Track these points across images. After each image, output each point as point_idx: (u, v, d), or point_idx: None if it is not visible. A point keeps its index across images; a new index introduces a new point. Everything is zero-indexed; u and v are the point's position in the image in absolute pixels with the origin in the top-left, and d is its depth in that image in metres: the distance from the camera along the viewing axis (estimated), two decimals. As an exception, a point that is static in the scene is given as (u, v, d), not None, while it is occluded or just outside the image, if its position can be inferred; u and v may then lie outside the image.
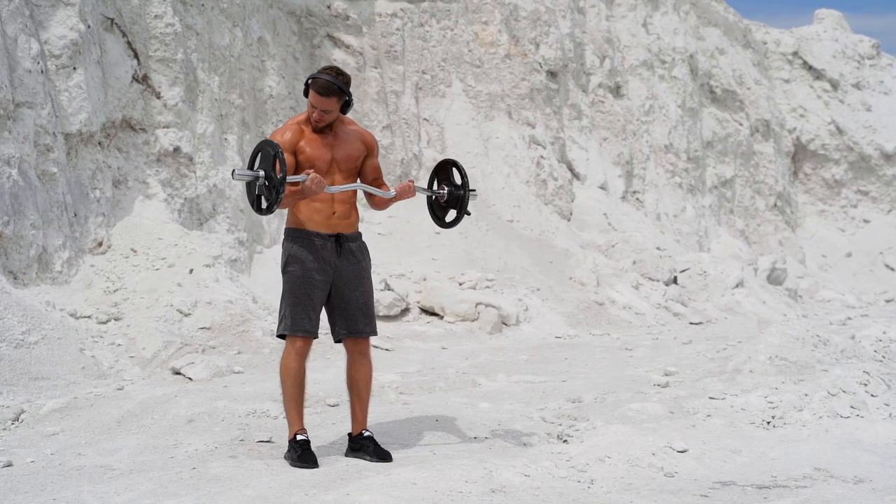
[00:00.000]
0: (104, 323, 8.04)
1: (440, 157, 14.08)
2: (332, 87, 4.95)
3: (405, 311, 10.82)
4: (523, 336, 10.62)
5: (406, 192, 5.22)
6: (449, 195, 5.38)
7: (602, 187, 16.43)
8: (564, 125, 16.40)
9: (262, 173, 4.77)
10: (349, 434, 5.27)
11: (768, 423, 6.05)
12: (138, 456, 5.20)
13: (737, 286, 14.21)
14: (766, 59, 22.62)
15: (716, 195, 19.45)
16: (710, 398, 6.42)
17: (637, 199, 17.24)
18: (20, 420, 6.09)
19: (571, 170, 16.22)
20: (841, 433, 5.83)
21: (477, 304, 10.86)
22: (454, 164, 5.39)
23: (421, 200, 13.24)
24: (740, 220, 19.77)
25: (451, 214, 5.45)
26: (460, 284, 11.51)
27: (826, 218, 22.22)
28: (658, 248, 14.81)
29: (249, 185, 4.87)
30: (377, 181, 5.32)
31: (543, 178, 14.96)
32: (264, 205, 4.83)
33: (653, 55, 18.59)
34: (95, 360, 7.45)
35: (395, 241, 12.25)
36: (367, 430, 5.21)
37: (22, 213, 8.15)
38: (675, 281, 13.80)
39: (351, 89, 5.05)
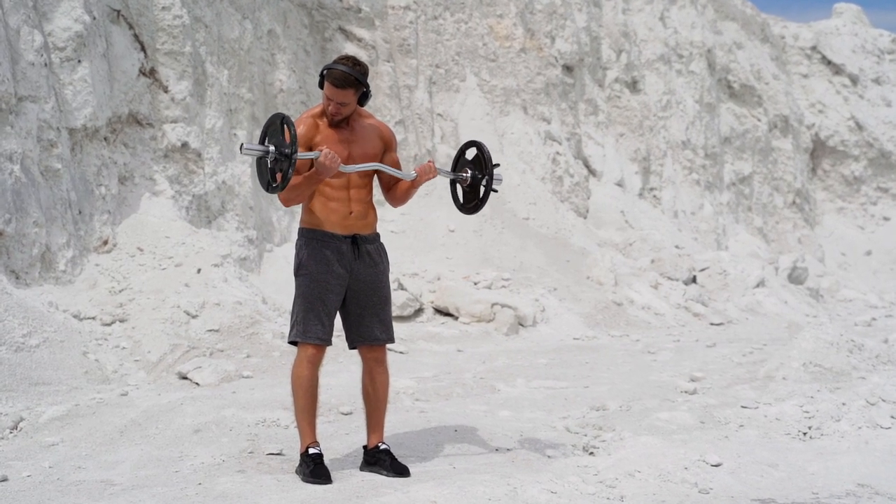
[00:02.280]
0: (108, 325, 7.76)
1: (454, 153, 13.78)
2: (348, 78, 4.63)
3: (419, 311, 10.53)
4: (540, 337, 10.31)
5: (426, 173, 4.85)
6: (472, 178, 5.01)
7: (619, 184, 16.12)
8: (580, 121, 16.08)
9: (272, 148, 4.44)
10: (364, 447, 4.97)
11: (805, 434, 5.74)
12: (141, 470, 4.90)
13: (758, 286, 13.88)
14: (784, 54, 22.26)
15: (733, 192, 19.12)
16: (743, 407, 6.12)
17: (654, 196, 16.92)
18: (19, 428, 5.79)
19: (587, 166, 15.91)
20: (882, 445, 5.51)
21: (493, 305, 10.55)
22: (476, 145, 5.05)
23: (436, 198, 13.00)
24: (758, 218, 19.44)
25: (476, 198, 5.05)
26: (475, 284, 11.21)
27: (845, 215, 21.87)
28: (677, 247, 14.50)
29: (260, 162, 4.55)
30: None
31: (559, 175, 14.65)
32: (277, 181, 4.48)
33: (670, 49, 18.26)
34: (99, 363, 7.17)
35: (409, 240, 11.96)
36: (384, 443, 4.91)
37: (24, 211, 7.88)
38: (694, 280, 13.48)
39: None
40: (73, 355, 7.06)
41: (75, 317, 7.68)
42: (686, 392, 6.95)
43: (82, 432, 5.63)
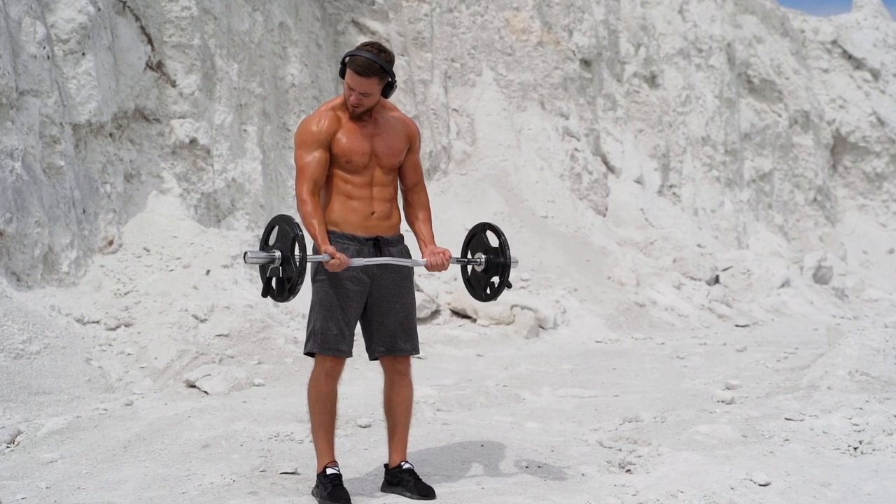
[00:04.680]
0: (113, 329, 7.40)
1: (470, 149, 13.41)
2: (373, 66, 4.22)
3: (435, 313, 10.16)
4: (562, 341, 9.94)
5: (436, 267, 4.40)
6: (487, 263, 4.57)
7: (638, 181, 15.73)
8: (599, 116, 15.69)
9: (277, 254, 4.03)
10: (386, 465, 4.59)
11: (855, 448, 5.35)
12: (145, 490, 4.53)
13: (783, 285, 13.49)
14: (804, 48, 21.83)
15: (754, 189, 18.70)
16: (787, 419, 5.73)
17: (674, 193, 16.53)
18: (16, 443, 5.43)
19: (606, 163, 15.52)
20: (940, 462, 5.11)
21: (512, 307, 10.18)
22: (491, 227, 4.64)
23: (451, 195, 12.63)
24: (779, 216, 19.02)
25: (491, 286, 4.58)
26: (493, 285, 10.83)
27: (867, 213, 21.43)
28: (699, 246, 14.11)
29: (263, 267, 4.14)
30: (417, 187, 4.57)
31: (578, 172, 14.26)
32: (277, 293, 4.10)
33: (689, 43, 17.85)
34: (103, 371, 6.81)
35: (424, 239, 11.57)
36: (407, 462, 4.53)
37: (26, 210, 7.53)
38: (717, 280, 13.09)
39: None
40: (75, 362, 6.70)
41: (78, 321, 7.33)
42: (723, 401, 6.57)
43: (83, 447, 5.26)
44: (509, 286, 4.59)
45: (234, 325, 7.57)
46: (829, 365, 6.48)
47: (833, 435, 5.48)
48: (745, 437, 5.51)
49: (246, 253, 4.07)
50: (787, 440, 5.45)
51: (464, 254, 4.67)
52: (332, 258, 4.11)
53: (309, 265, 4.36)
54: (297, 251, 3.99)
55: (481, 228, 4.65)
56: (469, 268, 4.68)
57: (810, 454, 5.24)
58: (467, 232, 4.74)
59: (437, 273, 10.89)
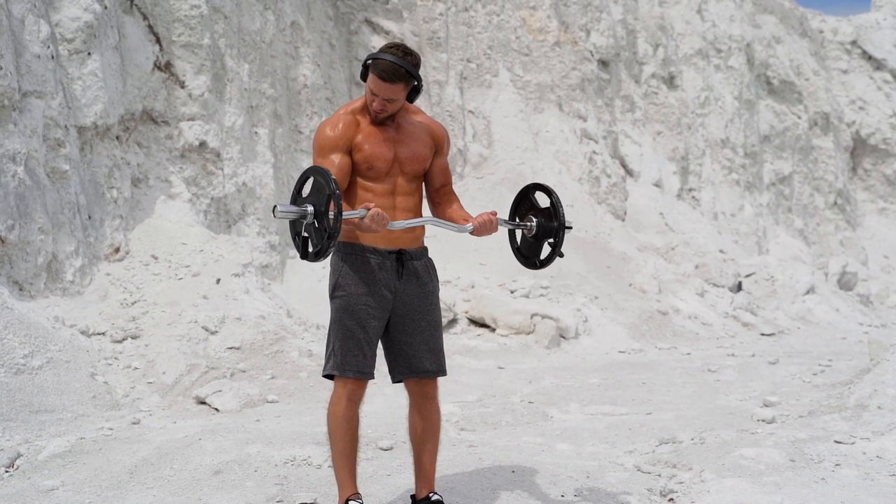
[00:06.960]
0: (119, 342, 7.06)
1: (486, 152, 13.07)
2: (398, 70, 3.86)
3: (453, 321, 9.82)
4: (584, 351, 9.58)
5: (485, 229, 4.05)
6: (538, 227, 4.21)
7: (657, 184, 15.36)
8: (617, 118, 15.33)
9: (310, 209, 3.68)
10: (412, 496, 4.24)
11: (913, 475, 4.98)
12: (152, 524, 4.20)
13: (807, 292, 13.12)
14: (822, 49, 21.44)
15: (773, 192, 18.32)
16: (836, 442, 5.36)
17: (693, 197, 16.15)
18: (15, 467, 5.09)
19: (624, 166, 15.16)
20: None
21: (532, 315, 9.82)
22: (543, 188, 4.26)
23: (468, 199, 12.26)
24: (799, 219, 18.63)
25: (544, 251, 4.23)
26: (511, 292, 10.49)
27: (887, 216, 21.04)
28: (721, 251, 13.74)
29: (293, 224, 3.81)
30: (445, 188, 4.22)
31: (596, 175, 13.91)
32: (312, 249, 3.74)
33: (708, 43, 17.48)
34: (108, 386, 6.47)
35: (440, 244, 11.22)
36: (436, 493, 4.18)
37: (29, 216, 7.20)
38: (740, 287, 12.72)
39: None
40: (79, 377, 6.36)
41: (83, 333, 6.99)
42: (763, 420, 6.21)
43: (86, 473, 4.91)
44: (562, 255, 4.22)
45: (245, 337, 7.23)
46: (877, 382, 6.10)
47: (888, 459, 5.12)
48: (793, 461, 5.15)
49: (275, 206, 3.71)
50: (837, 465, 5.09)
51: (512, 217, 4.30)
52: (369, 212, 3.75)
53: (333, 279, 4.03)
54: (332, 205, 3.62)
55: (533, 189, 4.28)
56: (518, 234, 4.31)
57: (864, 481, 4.88)
58: (515, 194, 4.37)
59: (453, 280, 10.56)
